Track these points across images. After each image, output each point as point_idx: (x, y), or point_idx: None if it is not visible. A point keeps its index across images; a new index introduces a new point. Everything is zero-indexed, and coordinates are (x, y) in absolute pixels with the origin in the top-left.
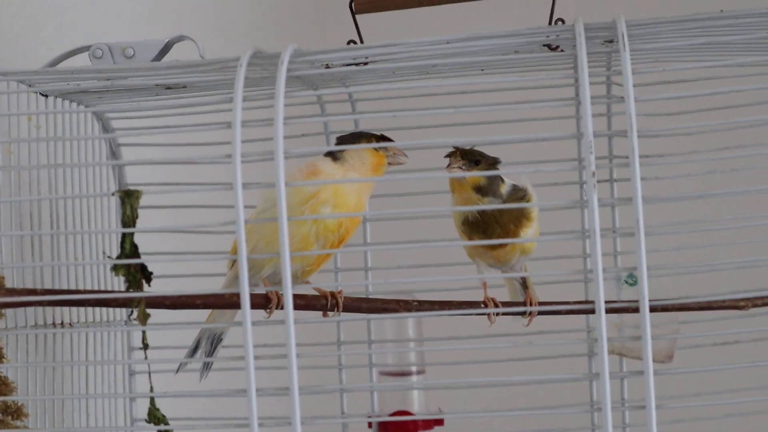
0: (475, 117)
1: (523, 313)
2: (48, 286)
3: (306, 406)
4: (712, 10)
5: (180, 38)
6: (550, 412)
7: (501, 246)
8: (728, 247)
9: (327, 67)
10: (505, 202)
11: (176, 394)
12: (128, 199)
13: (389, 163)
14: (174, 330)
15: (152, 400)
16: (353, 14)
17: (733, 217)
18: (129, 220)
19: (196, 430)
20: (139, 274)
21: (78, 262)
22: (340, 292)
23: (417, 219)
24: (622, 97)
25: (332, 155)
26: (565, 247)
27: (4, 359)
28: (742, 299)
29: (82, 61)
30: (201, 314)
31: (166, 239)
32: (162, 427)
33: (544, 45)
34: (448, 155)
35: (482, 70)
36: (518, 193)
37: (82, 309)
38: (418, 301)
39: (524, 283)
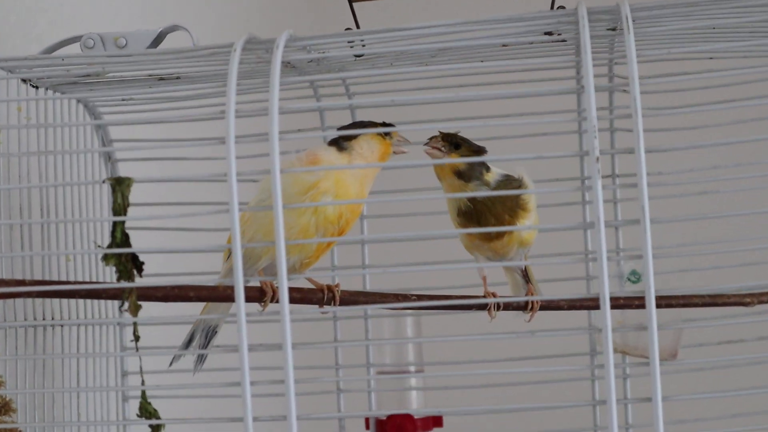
0: (475, 106)
1: (525, 308)
2: (38, 278)
3: (302, 405)
4: None
5: (173, 28)
6: (552, 406)
7: (498, 237)
8: (734, 243)
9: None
10: (495, 190)
11: (169, 387)
12: (119, 186)
13: (394, 152)
14: (167, 328)
15: (143, 393)
16: (350, 2)
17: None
18: (120, 208)
19: (189, 424)
20: (130, 264)
21: (67, 251)
22: (337, 286)
23: (415, 216)
24: (625, 90)
25: (337, 145)
26: (567, 244)
27: None
28: (748, 295)
29: (73, 51)
30: (194, 310)
31: (161, 234)
32: (153, 421)
33: (545, 33)
34: (431, 138)
35: (482, 61)
36: (512, 183)
37: (73, 306)
38: (417, 295)
39: (526, 277)
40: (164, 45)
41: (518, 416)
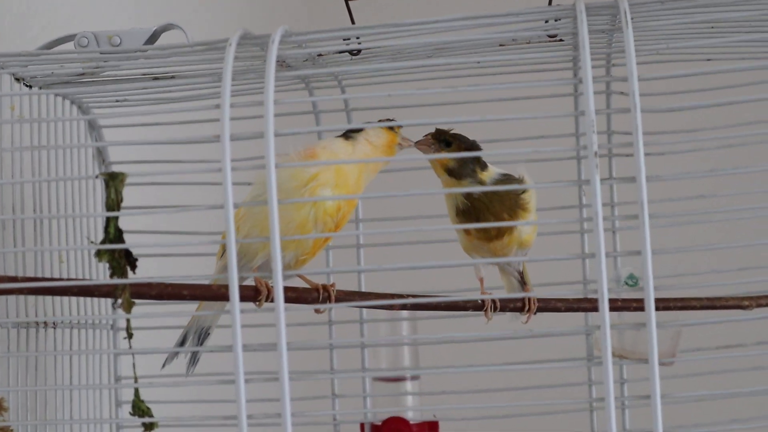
0: (471, 105)
1: (521, 310)
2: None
3: (296, 409)
4: None
5: (168, 27)
6: (548, 411)
7: (497, 237)
8: (732, 247)
9: (319, 55)
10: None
11: (163, 385)
12: (113, 182)
13: (399, 145)
14: (161, 333)
15: (136, 391)
16: (346, 0)
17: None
18: (113, 203)
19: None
20: (123, 260)
21: (60, 248)
22: (332, 285)
23: (413, 219)
24: (622, 93)
25: (345, 135)
26: (565, 248)
27: None
28: (746, 298)
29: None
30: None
31: (156, 236)
32: (146, 419)
33: (546, 34)
34: (426, 136)
35: (478, 62)
36: (512, 182)
37: (66, 308)
38: (413, 295)
39: (522, 281)
40: (159, 44)
41: (514, 421)
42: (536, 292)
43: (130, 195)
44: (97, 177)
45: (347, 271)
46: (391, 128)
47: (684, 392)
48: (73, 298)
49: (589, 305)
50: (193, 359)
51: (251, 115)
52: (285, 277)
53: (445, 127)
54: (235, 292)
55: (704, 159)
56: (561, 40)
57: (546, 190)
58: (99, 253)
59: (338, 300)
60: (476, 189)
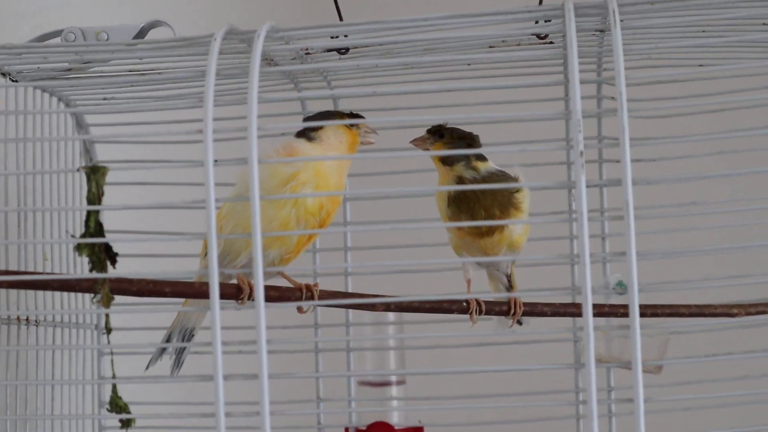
0: (460, 100)
1: (507, 313)
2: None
3: (281, 415)
4: None
5: (155, 23)
6: (535, 419)
7: (488, 233)
8: (721, 256)
9: (307, 53)
10: (485, 179)
11: (143, 381)
12: (94, 175)
13: (361, 142)
14: (144, 334)
15: (114, 387)
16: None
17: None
18: (94, 197)
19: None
20: (103, 255)
21: (42, 241)
22: (315, 285)
23: (402, 222)
24: (613, 97)
25: (306, 136)
26: (554, 253)
27: None
28: (735, 305)
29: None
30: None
31: (141, 236)
32: (124, 415)
33: (532, 34)
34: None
35: (468, 65)
36: (506, 179)
37: (50, 307)
38: (397, 299)
39: (510, 286)
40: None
41: (500, 427)
42: (524, 297)
43: (114, 195)
44: (78, 170)
45: (334, 274)
46: (350, 126)
47: (671, 401)
48: (57, 297)
49: (576, 310)
50: (178, 361)
51: (239, 115)
52: (267, 276)
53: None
54: (215, 288)
55: (694, 164)
56: (551, 42)
57: (536, 195)
58: (79, 247)
59: (321, 299)
60: (467, 187)
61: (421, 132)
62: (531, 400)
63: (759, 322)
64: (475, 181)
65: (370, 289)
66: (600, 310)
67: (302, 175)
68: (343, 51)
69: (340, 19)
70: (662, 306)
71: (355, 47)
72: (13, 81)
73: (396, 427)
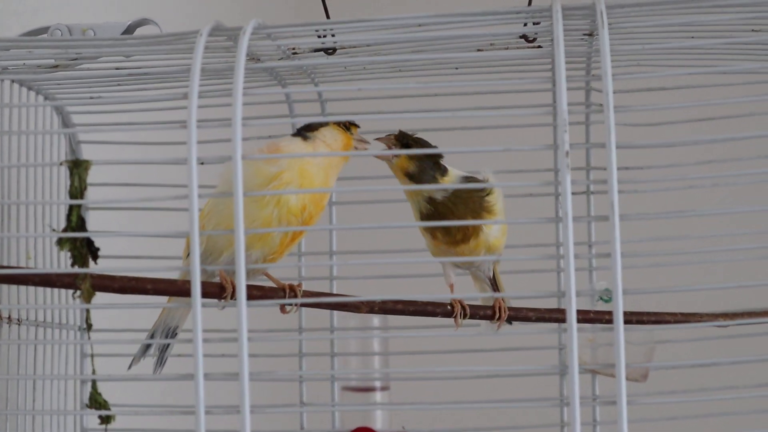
0: (446, 100)
1: (492, 318)
2: None
3: (264, 420)
4: None
5: (143, 21)
6: (521, 405)
7: (463, 242)
8: (707, 266)
9: (294, 53)
10: (457, 192)
11: (124, 378)
12: (77, 169)
13: (355, 147)
14: (127, 335)
15: (94, 383)
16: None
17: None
18: (77, 191)
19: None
20: (84, 250)
21: (20, 235)
22: (299, 285)
23: (387, 229)
24: (601, 105)
25: (302, 136)
26: (539, 262)
27: None
28: (721, 314)
29: None
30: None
31: (125, 240)
32: (103, 412)
33: (520, 37)
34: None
35: (456, 68)
36: (472, 183)
37: (32, 308)
38: (382, 300)
39: (495, 289)
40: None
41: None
42: (509, 303)
43: (98, 193)
44: (61, 164)
45: (319, 278)
46: (346, 129)
47: (655, 409)
48: (41, 296)
49: (560, 316)
50: (160, 360)
51: (225, 116)
52: (250, 274)
53: (410, 130)
54: (196, 286)
55: (682, 171)
56: (539, 46)
57: (522, 200)
58: (60, 242)
59: (305, 300)
60: (445, 186)
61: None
62: (515, 408)
63: (745, 331)
64: (445, 199)
65: (355, 293)
66: (585, 316)
67: (286, 174)
68: (330, 51)
69: (327, 17)
70: (648, 313)
71: (343, 47)
72: None
73: None
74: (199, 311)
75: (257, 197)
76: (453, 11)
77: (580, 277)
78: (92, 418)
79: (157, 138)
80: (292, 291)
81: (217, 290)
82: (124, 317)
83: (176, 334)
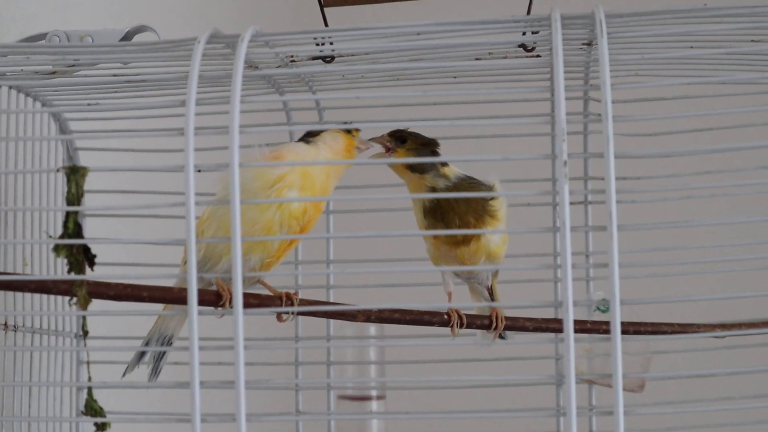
0: (445, 109)
1: (488, 327)
2: None
3: (260, 428)
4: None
5: (141, 28)
6: (517, 414)
7: (465, 243)
8: (705, 276)
9: (293, 61)
10: (457, 186)
11: (119, 385)
12: (74, 175)
13: (358, 148)
14: (122, 343)
15: (90, 391)
16: (321, 7)
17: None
18: (74, 198)
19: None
20: (81, 256)
21: (16, 241)
22: (296, 294)
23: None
24: (599, 114)
25: (305, 140)
26: (536, 272)
27: None
28: (719, 325)
29: None
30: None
31: (122, 248)
32: (99, 419)
33: (519, 46)
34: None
35: (455, 77)
36: (480, 187)
37: (28, 314)
38: (378, 309)
39: (492, 299)
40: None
41: None
42: (506, 311)
43: (96, 199)
44: (58, 171)
45: (316, 287)
46: (348, 132)
47: (652, 419)
48: (37, 303)
49: (557, 326)
50: (155, 368)
51: (222, 124)
52: (247, 282)
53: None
54: (193, 293)
55: (680, 182)
56: (538, 56)
57: (521, 210)
58: (57, 248)
59: (301, 310)
60: (443, 195)
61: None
62: (511, 416)
63: (742, 342)
64: (447, 189)
65: (352, 303)
66: (582, 326)
67: (289, 177)
68: (328, 60)
69: (326, 25)
70: (645, 324)
71: (341, 56)
72: None
73: None
74: (195, 319)
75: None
76: (452, 20)
77: (577, 288)
78: (88, 425)
79: (155, 145)
80: (289, 299)
81: (214, 298)
82: (120, 325)
83: (171, 343)
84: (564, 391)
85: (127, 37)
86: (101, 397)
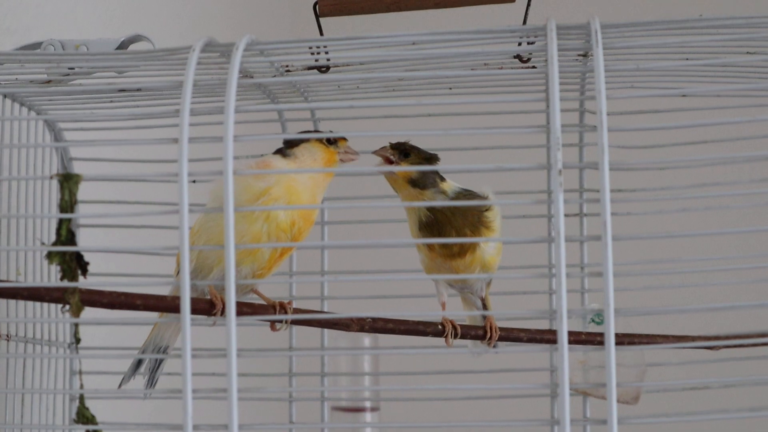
0: (439, 120)
1: (483, 338)
2: None
3: (250, 429)
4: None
5: (136, 38)
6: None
7: (459, 255)
8: (699, 288)
9: (288, 71)
10: (456, 199)
11: (114, 394)
12: (67, 183)
13: (341, 161)
14: (116, 352)
15: (81, 398)
16: (317, 17)
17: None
18: (67, 205)
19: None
20: (74, 264)
21: (9, 248)
22: (289, 303)
23: (376, 249)
24: (595, 126)
25: (281, 153)
26: (530, 283)
27: None
28: (714, 337)
29: None
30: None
31: (116, 258)
32: (91, 427)
33: (515, 57)
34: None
35: (450, 88)
36: (470, 195)
37: (22, 324)
38: (372, 318)
39: (485, 309)
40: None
41: None
42: (500, 322)
43: (89, 208)
44: (51, 178)
45: (310, 297)
46: (330, 143)
47: (646, 429)
48: (30, 312)
49: (552, 337)
50: (151, 379)
51: (216, 135)
52: (239, 290)
53: (401, 140)
54: (186, 300)
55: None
56: (534, 67)
57: (516, 222)
58: (50, 255)
59: (295, 319)
60: (440, 203)
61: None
62: (506, 428)
63: (738, 354)
64: (445, 207)
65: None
66: (577, 338)
67: (274, 190)
68: (323, 69)
69: (321, 34)
70: (639, 335)
71: (336, 66)
72: None
73: None
74: (188, 327)
75: (246, 213)
76: (447, 29)
77: (572, 300)
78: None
79: (150, 155)
80: (283, 308)
81: (207, 306)
82: (115, 335)
83: (167, 353)
84: (558, 402)
85: (123, 46)
86: (96, 409)
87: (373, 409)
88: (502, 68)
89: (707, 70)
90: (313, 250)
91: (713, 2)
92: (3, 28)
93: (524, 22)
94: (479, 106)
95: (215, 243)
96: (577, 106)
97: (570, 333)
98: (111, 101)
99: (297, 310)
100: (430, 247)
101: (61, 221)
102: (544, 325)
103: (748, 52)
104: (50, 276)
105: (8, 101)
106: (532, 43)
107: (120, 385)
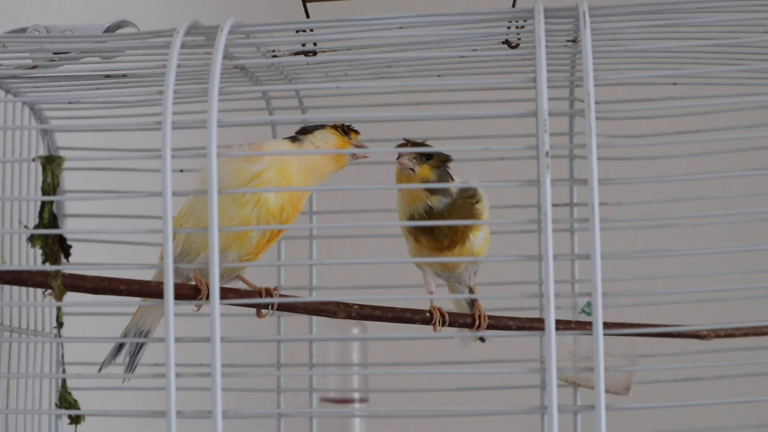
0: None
1: (471, 326)
2: None
3: (235, 419)
4: None
5: (122, 23)
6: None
7: (449, 247)
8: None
9: (274, 56)
10: (454, 202)
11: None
12: (49, 165)
13: (353, 157)
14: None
15: (64, 382)
16: (304, 2)
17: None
18: (49, 188)
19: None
20: (56, 246)
21: None
22: (275, 289)
23: (366, 238)
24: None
25: (293, 137)
26: (519, 271)
27: None
28: (704, 329)
29: None
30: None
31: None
32: (73, 411)
33: (503, 42)
34: (399, 146)
35: (439, 76)
36: (468, 193)
37: (6, 315)
38: (359, 305)
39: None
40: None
41: None
42: (489, 309)
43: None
44: (33, 160)
45: (299, 288)
46: (345, 134)
47: (636, 418)
48: (15, 301)
49: (541, 325)
50: (131, 364)
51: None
52: (225, 276)
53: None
54: (169, 283)
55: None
56: (517, 46)
57: (505, 210)
58: (32, 238)
59: (281, 306)
60: (431, 220)
61: (389, 143)
62: (495, 419)
63: (728, 345)
64: (445, 207)
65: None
66: (566, 326)
67: (266, 174)
68: (310, 54)
69: (307, 16)
70: (629, 324)
71: (323, 51)
72: None
73: None
74: (171, 311)
75: (236, 197)
76: (435, 12)
77: (561, 288)
78: (68, 427)
79: (135, 143)
80: (268, 294)
81: (192, 292)
82: (98, 325)
83: (148, 336)
84: (546, 384)
85: (108, 31)
86: (79, 398)
87: (362, 401)
88: (491, 50)
89: (697, 51)
90: (302, 241)
91: None
92: None
93: (513, 5)
94: (468, 94)
95: (202, 226)
96: (567, 95)
97: (559, 321)
98: (97, 88)
99: (283, 296)
100: (417, 239)
101: (43, 204)
102: (534, 315)
103: (738, 38)
104: (35, 260)
105: None
106: (522, 27)
107: (100, 369)
